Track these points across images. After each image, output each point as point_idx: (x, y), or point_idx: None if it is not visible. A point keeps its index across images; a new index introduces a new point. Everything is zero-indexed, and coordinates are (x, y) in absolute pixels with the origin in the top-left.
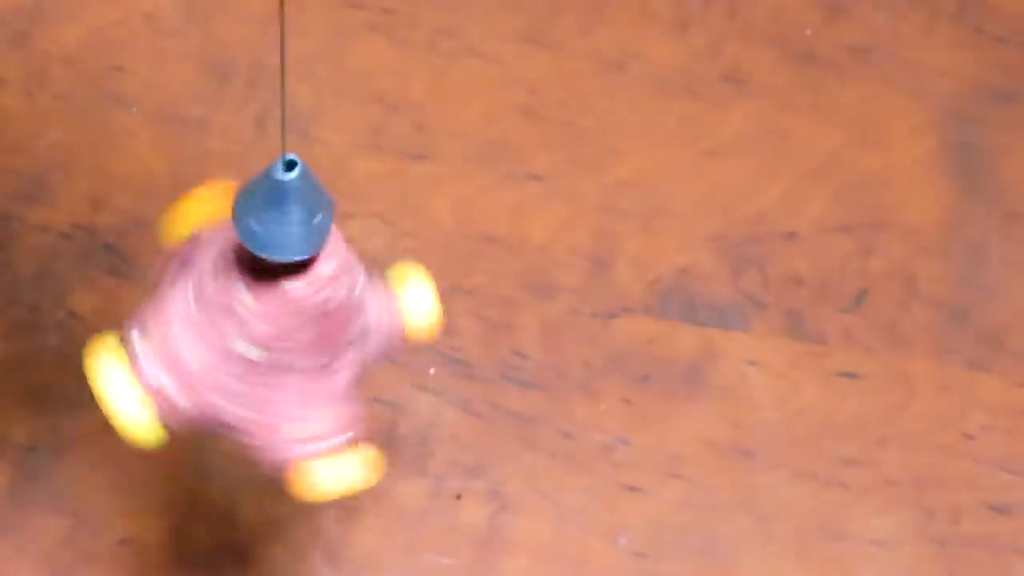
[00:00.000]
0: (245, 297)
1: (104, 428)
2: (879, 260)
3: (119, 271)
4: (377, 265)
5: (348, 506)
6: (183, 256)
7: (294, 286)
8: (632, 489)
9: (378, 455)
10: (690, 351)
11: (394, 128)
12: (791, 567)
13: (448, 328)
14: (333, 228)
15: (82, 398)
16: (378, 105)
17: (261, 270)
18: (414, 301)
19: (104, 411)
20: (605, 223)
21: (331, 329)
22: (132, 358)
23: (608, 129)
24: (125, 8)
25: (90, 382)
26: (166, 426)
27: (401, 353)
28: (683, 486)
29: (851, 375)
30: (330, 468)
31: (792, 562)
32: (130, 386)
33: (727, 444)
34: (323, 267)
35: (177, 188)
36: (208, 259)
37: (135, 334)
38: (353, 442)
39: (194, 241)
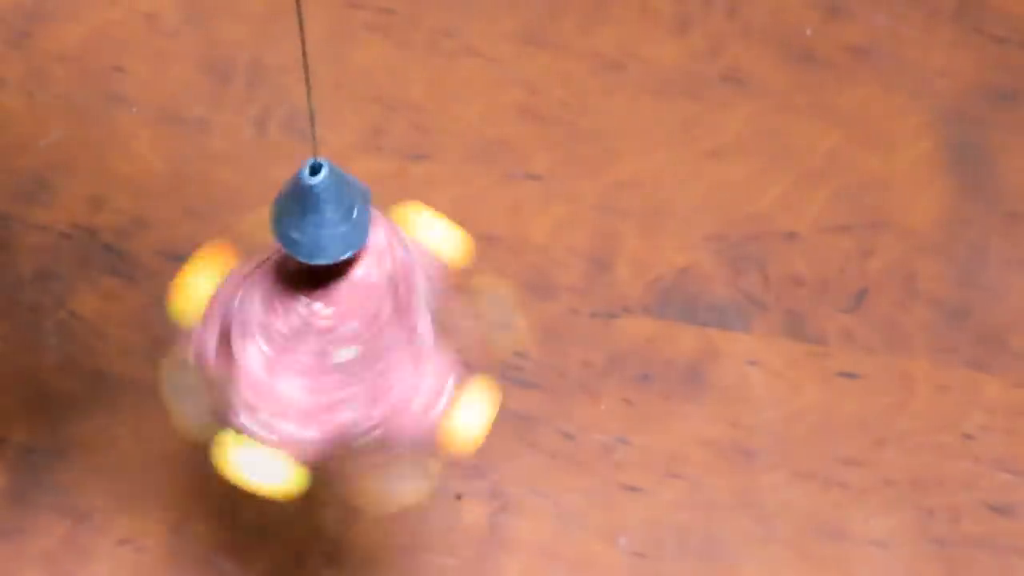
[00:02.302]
0: (317, 308)
1: (104, 428)
2: (879, 260)
3: (119, 271)
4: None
5: (348, 506)
6: (220, 317)
7: (357, 274)
8: (632, 489)
9: (490, 381)
10: (690, 351)
11: (394, 128)
12: (791, 567)
13: (448, 328)
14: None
15: (82, 399)
16: (378, 105)
17: (318, 276)
18: (436, 235)
19: (252, 489)
20: (605, 223)
21: (404, 292)
22: (248, 434)
23: (608, 129)
24: (125, 8)
25: (229, 478)
26: (308, 465)
27: (448, 287)
28: (683, 486)
29: (851, 375)
30: (467, 413)
31: (792, 562)
32: (263, 459)
33: (727, 444)
34: (375, 242)
35: (177, 188)
36: (255, 303)
37: (241, 418)
38: (465, 380)
39: (221, 302)
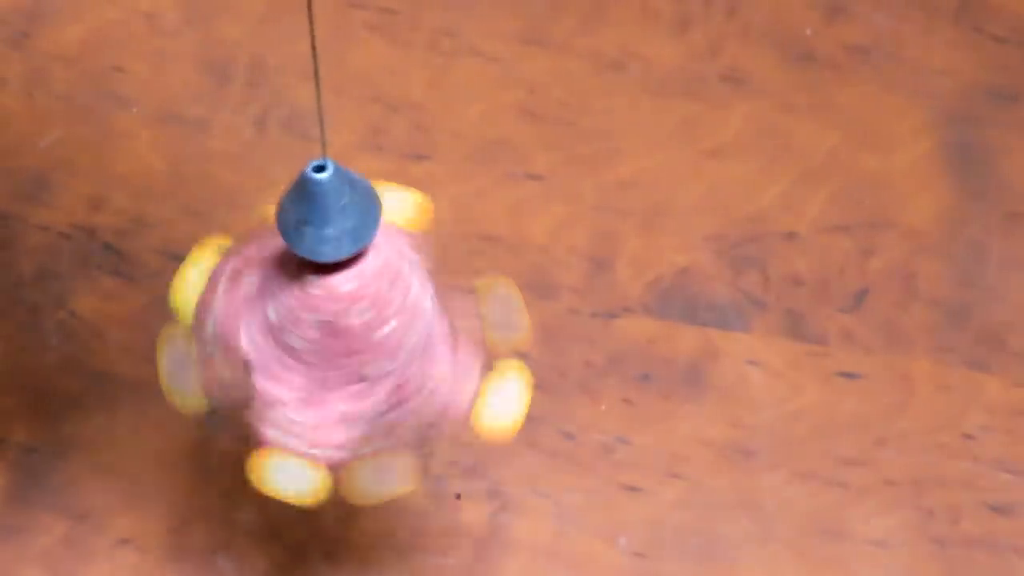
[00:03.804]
0: (347, 289)
1: (104, 428)
2: (879, 260)
3: (119, 271)
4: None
5: (348, 506)
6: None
7: (371, 262)
8: (632, 489)
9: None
10: (690, 351)
11: (394, 128)
12: (791, 567)
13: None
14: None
15: (82, 399)
16: (378, 105)
17: (331, 268)
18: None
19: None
20: (605, 223)
21: (410, 277)
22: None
23: (608, 129)
24: (125, 8)
25: (266, 492)
26: (339, 469)
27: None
28: (683, 486)
29: (851, 375)
30: (499, 400)
31: (792, 562)
32: (295, 469)
33: (727, 444)
34: (368, 264)
35: (177, 188)
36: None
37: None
38: (496, 367)
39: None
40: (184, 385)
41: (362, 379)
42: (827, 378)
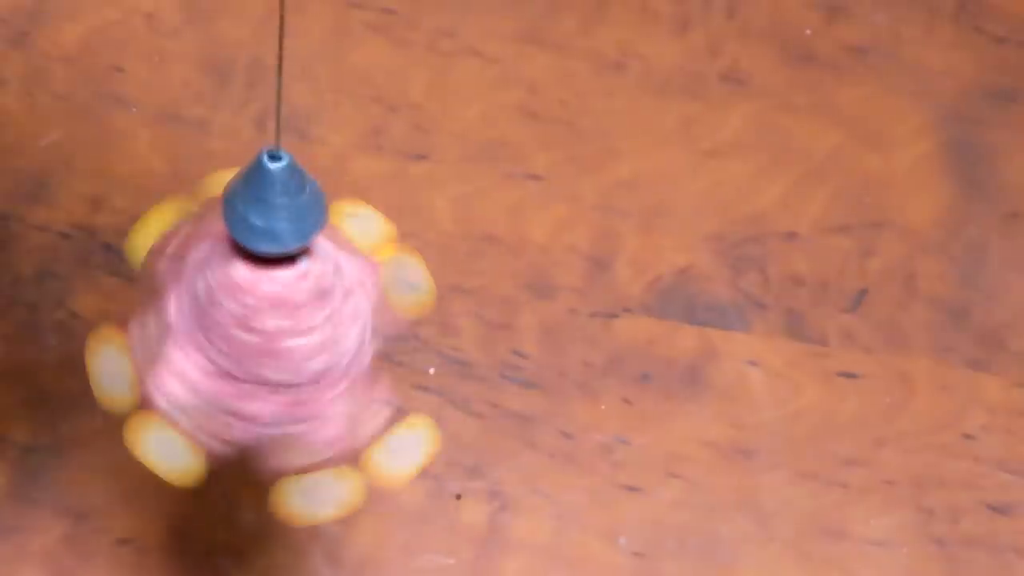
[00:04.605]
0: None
1: (104, 428)
2: (879, 260)
3: (119, 271)
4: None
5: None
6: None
7: (303, 267)
8: (632, 489)
9: (428, 420)
10: (690, 351)
11: (394, 128)
12: (791, 567)
13: (448, 328)
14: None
15: (82, 398)
16: (378, 105)
17: (250, 261)
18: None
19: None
20: (605, 223)
21: (343, 298)
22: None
23: (608, 129)
24: (125, 8)
25: (140, 461)
26: (214, 454)
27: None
28: (683, 486)
29: (851, 375)
30: (399, 446)
31: (792, 562)
32: (172, 443)
33: (727, 444)
34: (318, 243)
35: (177, 188)
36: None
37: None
38: (405, 412)
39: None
40: (116, 386)
41: (263, 383)
42: (827, 378)
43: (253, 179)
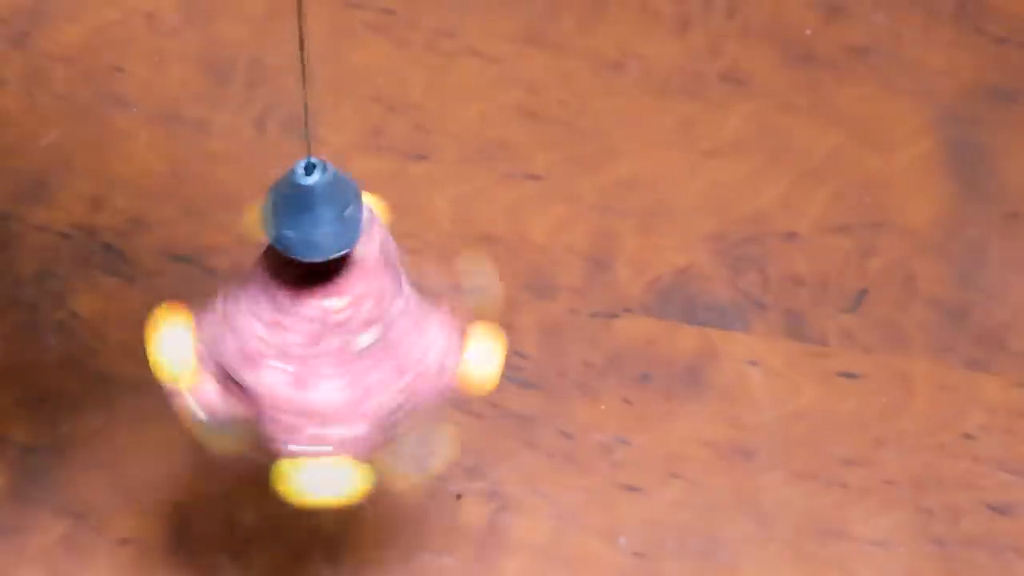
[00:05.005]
0: (329, 304)
1: (104, 428)
2: (879, 260)
3: (119, 271)
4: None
5: (348, 506)
6: (211, 362)
7: (358, 255)
8: (632, 489)
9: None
10: (690, 351)
11: (394, 128)
12: (791, 567)
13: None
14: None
15: (82, 398)
16: (378, 105)
17: (316, 274)
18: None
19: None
20: (604, 223)
21: (392, 259)
22: (301, 455)
23: (607, 129)
24: (125, 8)
25: (302, 502)
26: (368, 461)
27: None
28: (683, 486)
29: (851, 375)
30: (478, 358)
31: (792, 562)
32: (326, 472)
33: (727, 444)
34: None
35: (177, 188)
36: (249, 328)
37: (287, 444)
38: (468, 330)
39: (206, 347)
40: (177, 360)
41: (363, 359)
42: (827, 378)
43: (291, 196)
